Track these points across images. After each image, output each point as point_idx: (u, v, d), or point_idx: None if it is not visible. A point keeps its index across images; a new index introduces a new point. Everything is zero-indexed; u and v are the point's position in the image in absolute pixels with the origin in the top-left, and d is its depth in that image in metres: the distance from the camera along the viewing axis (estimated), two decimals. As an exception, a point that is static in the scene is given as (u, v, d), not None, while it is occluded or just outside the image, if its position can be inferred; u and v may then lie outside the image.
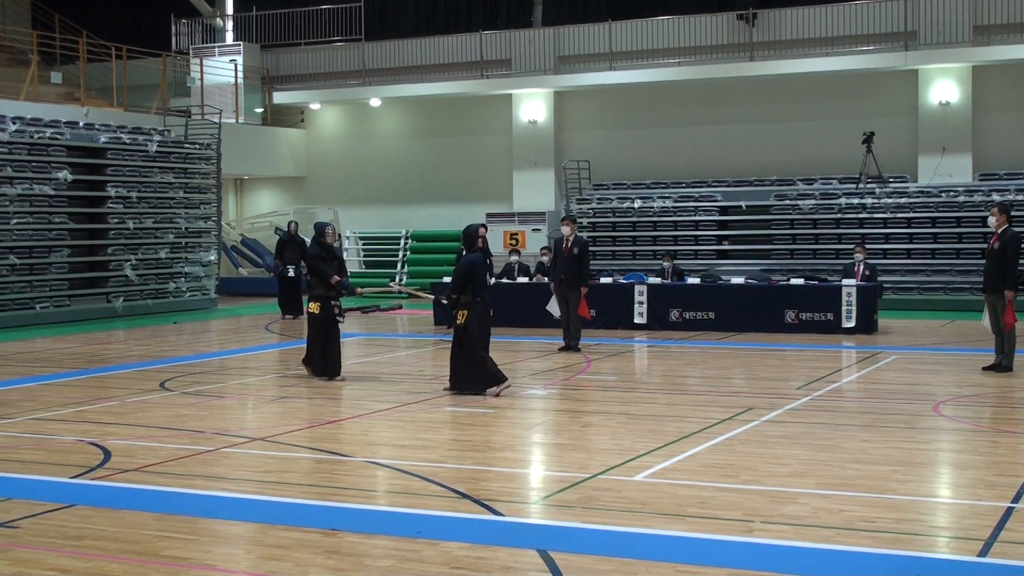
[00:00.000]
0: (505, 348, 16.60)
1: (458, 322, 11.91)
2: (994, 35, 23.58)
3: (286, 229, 22.44)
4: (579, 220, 25.56)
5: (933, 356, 15.32)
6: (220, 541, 6.78)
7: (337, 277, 12.98)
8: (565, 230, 16.09)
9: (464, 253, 12.41)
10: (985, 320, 13.27)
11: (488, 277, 12.76)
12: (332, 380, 12.94)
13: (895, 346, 16.20)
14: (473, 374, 11.87)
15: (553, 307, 16.40)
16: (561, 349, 15.94)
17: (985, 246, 22.07)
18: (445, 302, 13.00)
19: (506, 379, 11.89)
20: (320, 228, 13.22)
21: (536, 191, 27.29)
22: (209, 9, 30.72)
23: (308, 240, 25.37)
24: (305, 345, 13.38)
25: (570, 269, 15.82)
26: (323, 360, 13.02)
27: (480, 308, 11.89)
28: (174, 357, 15.92)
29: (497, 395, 11.71)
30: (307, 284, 13.29)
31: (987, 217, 22.03)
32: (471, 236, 12.54)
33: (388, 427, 10.32)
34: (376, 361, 15.53)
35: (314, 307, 12.94)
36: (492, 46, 27.44)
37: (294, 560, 6.21)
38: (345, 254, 29.26)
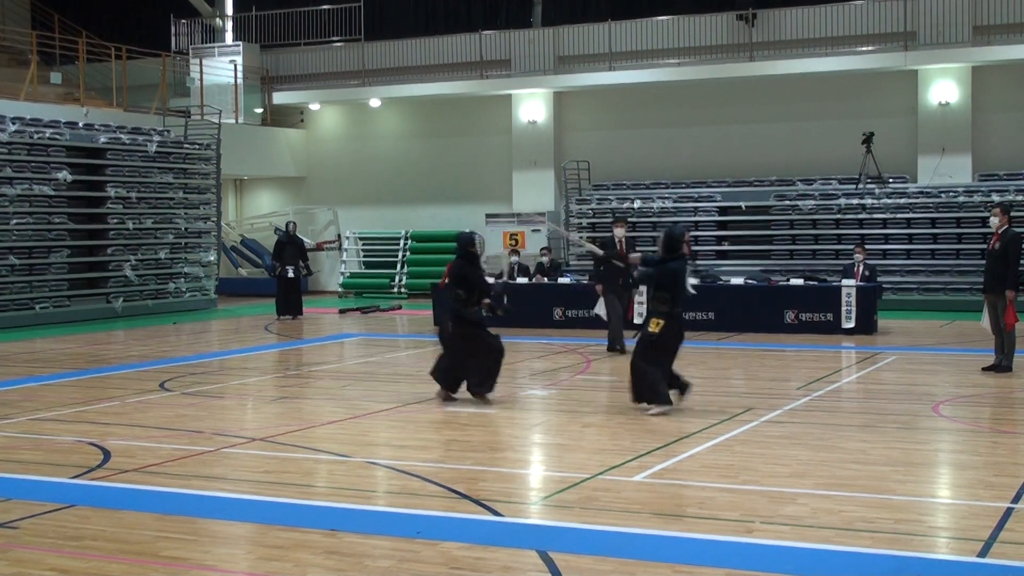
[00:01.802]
0: (506, 348, 16.58)
1: (651, 330, 10.75)
2: (994, 35, 23.57)
3: (284, 230, 22.40)
4: (579, 220, 25.59)
5: (933, 356, 15.31)
6: (220, 541, 6.78)
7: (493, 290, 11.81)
8: (619, 232, 15.66)
9: (660, 259, 11.08)
10: (985, 320, 13.27)
11: (688, 288, 11.61)
12: (481, 397, 11.50)
13: (895, 346, 16.20)
14: (649, 384, 10.73)
15: (600, 309, 15.89)
16: (609, 350, 15.60)
17: (985, 246, 22.21)
18: (618, 264, 12.02)
19: (671, 404, 10.80)
20: (469, 238, 11.85)
21: (536, 191, 27.28)
22: (209, 9, 30.71)
23: (306, 240, 25.54)
24: (454, 371, 11.61)
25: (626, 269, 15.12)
26: (456, 375, 11.58)
27: (676, 323, 10.83)
28: (174, 357, 15.92)
29: (651, 415, 10.59)
30: (458, 299, 11.53)
31: (987, 217, 22.21)
32: (675, 240, 10.98)
33: (388, 427, 10.32)
34: (376, 361, 15.54)
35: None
36: (492, 46, 27.43)
37: (294, 560, 6.21)
38: (345, 254, 29.32)
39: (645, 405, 10.73)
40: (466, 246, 11.78)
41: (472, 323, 11.55)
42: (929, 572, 5.98)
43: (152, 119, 25.38)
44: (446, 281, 11.96)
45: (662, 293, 10.83)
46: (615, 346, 15.58)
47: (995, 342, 13.27)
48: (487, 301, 11.65)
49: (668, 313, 10.75)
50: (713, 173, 25.78)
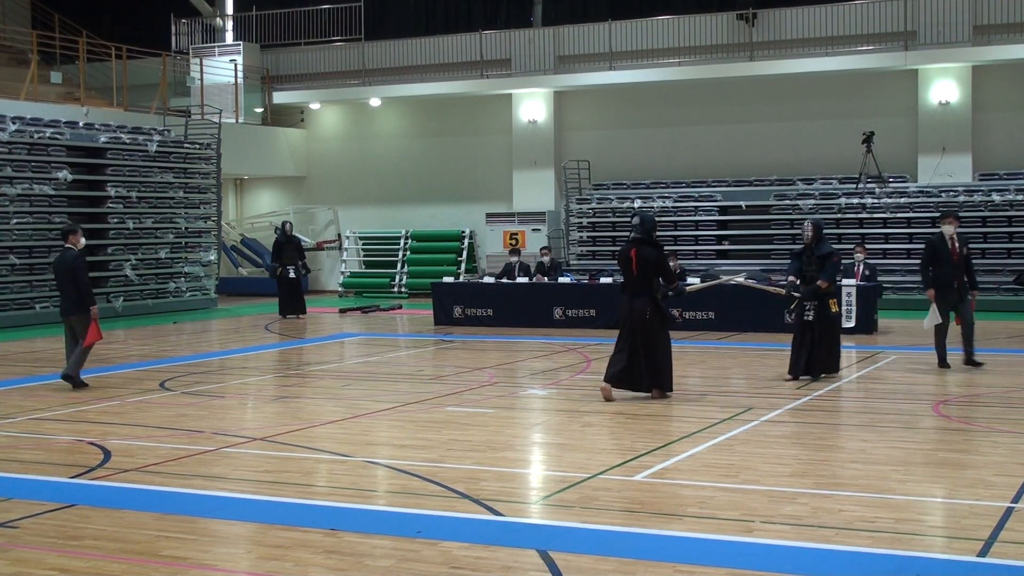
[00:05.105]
0: (506, 348, 16.61)
1: (834, 311, 13.03)
2: (994, 35, 23.57)
3: (281, 230, 22.41)
4: (579, 220, 25.58)
5: (933, 356, 15.27)
6: (220, 541, 6.79)
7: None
8: (948, 229, 13.43)
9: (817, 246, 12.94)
10: None
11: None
12: (665, 396, 11.44)
13: (895, 346, 16.20)
14: (837, 356, 13.04)
15: (934, 317, 13.58)
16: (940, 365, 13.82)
17: (985, 246, 22.24)
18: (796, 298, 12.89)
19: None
20: (654, 222, 11.36)
21: (536, 191, 27.28)
22: (209, 9, 30.72)
23: (305, 240, 25.56)
24: (663, 366, 11.43)
25: (962, 272, 13.52)
26: (652, 374, 11.33)
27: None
28: (174, 357, 15.92)
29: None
30: (658, 287, 11.18)
31: (987, 217, 22.27)
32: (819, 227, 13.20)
33: (388, 427, 10.32)
34: (376, 361, 15.54)
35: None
36: (492, 46, 27.43)
37: (294, 560, 6.21)
38: (345, 254, 29.32)
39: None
40: (651, 230, 11.29)
41: (664, 318, 11.37)
42: (929, 572, 5.98)
43: (152, 119, 25.39)
44: (635, 268, 11.20)
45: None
46: (947, 361, 13.74)
47: None
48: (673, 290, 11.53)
49: (835, 293, 13.35)
50: (713, 173, 25.78)
